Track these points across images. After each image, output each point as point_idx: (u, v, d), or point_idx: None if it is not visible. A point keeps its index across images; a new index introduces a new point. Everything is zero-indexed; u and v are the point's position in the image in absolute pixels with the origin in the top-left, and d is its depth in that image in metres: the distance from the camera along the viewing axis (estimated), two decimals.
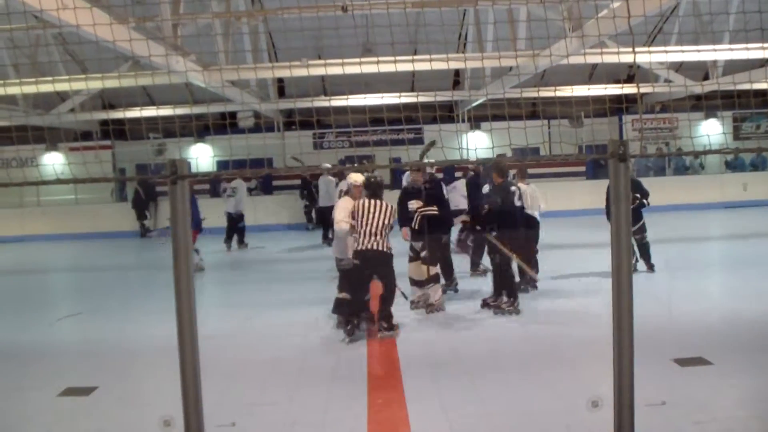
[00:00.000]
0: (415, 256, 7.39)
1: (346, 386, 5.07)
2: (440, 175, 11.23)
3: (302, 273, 10.30)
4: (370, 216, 6.30)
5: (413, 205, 7.28)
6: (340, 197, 10.71)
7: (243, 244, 13.65)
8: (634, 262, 7.48)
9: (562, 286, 8.28)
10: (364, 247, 6.26)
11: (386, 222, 6.31)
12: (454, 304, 7.54)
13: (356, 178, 6.75)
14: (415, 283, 7.40)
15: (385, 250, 6.33)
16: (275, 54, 15.19)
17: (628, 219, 3.32)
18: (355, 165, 14.10)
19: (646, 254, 8.97)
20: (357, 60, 8.42)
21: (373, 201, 6.41)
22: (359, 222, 6.32)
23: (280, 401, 4.80)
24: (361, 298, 6.42)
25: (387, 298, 6.41)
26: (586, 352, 5.65)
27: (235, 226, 13.48)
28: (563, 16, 9.10)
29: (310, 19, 9.56)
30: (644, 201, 8.67)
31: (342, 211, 6.53)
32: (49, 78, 11.20)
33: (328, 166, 13.30)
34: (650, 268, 8.93)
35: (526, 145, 3.93)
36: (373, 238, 6.27)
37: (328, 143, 19.01)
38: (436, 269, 7.34)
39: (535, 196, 8.17)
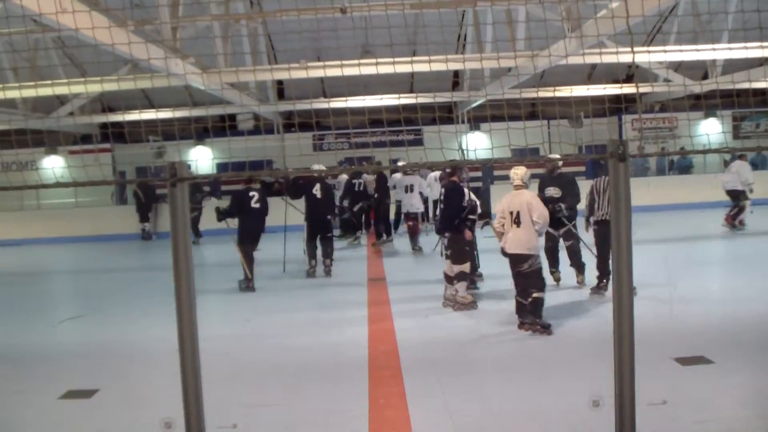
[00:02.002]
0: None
1: (347, 386, 5.06)
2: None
3: (302, 274, 10.26)
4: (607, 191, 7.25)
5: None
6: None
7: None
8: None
9: (563, 285, 8.28)
10: (602, 218, 7.50)
11: None
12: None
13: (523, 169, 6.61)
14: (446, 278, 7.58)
15: None
16: (274, 56, 15.20)
17: (629, 219, 3.31)
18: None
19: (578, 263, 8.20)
20: (356, 62, 8.43)
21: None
22: (600, 196, 7.60)
23: (282, 402, 4.80)
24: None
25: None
26: (588, 351, 5.66)
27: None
28: (562, 17, 9.11)
29: (309, 21, 9.58)
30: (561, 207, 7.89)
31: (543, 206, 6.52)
32: (49, 81, 11.24)
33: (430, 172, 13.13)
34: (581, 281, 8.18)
35: (525, 146, 3.93)
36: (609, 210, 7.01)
37: (327, 145, 19.03)
38: (462, 267, 7.40)
39: None
